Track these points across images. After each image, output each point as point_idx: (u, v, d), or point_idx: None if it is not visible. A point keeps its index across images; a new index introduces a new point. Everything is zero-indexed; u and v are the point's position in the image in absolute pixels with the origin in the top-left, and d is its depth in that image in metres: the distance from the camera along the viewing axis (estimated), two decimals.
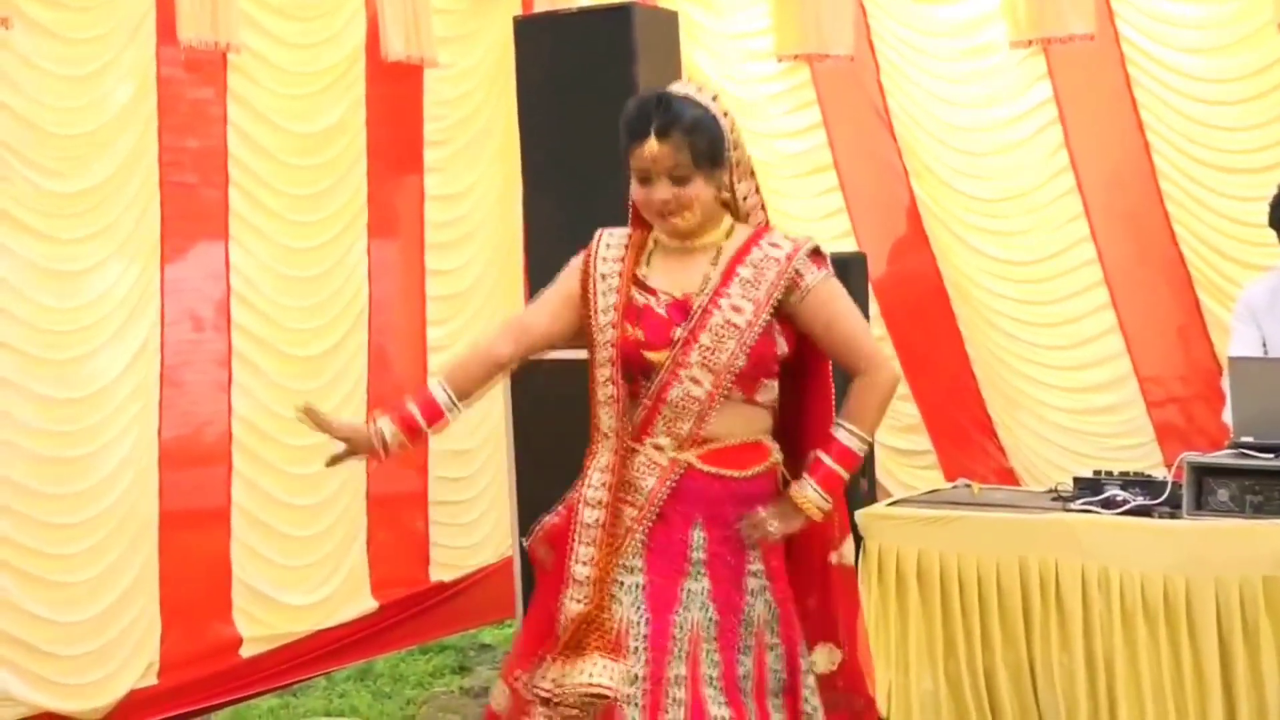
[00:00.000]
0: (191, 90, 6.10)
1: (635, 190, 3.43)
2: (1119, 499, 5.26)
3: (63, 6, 5.57)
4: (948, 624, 5.37)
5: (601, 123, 5.65)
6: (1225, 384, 5.50)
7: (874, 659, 5.42)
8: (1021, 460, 6.85)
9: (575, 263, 3.55)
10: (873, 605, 5.48)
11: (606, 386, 3.42)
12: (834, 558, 3.62)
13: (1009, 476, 6.76)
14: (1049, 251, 6.71)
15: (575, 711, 3.29)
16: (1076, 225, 6.64)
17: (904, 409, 7.07)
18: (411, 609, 6.82)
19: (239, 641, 6.20)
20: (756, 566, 3.42)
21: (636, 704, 3.27)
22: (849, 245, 6.95)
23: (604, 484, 3.40)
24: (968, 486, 6.00)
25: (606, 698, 3.25)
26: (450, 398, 3.42)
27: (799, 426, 3.59)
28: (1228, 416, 5.37)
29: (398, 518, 6.78)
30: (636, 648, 3.31)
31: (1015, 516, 5.36)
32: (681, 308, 3.41)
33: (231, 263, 6.19)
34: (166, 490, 5.94)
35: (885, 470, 6.60)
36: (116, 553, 5.75)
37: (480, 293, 7.10)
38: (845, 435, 3.43)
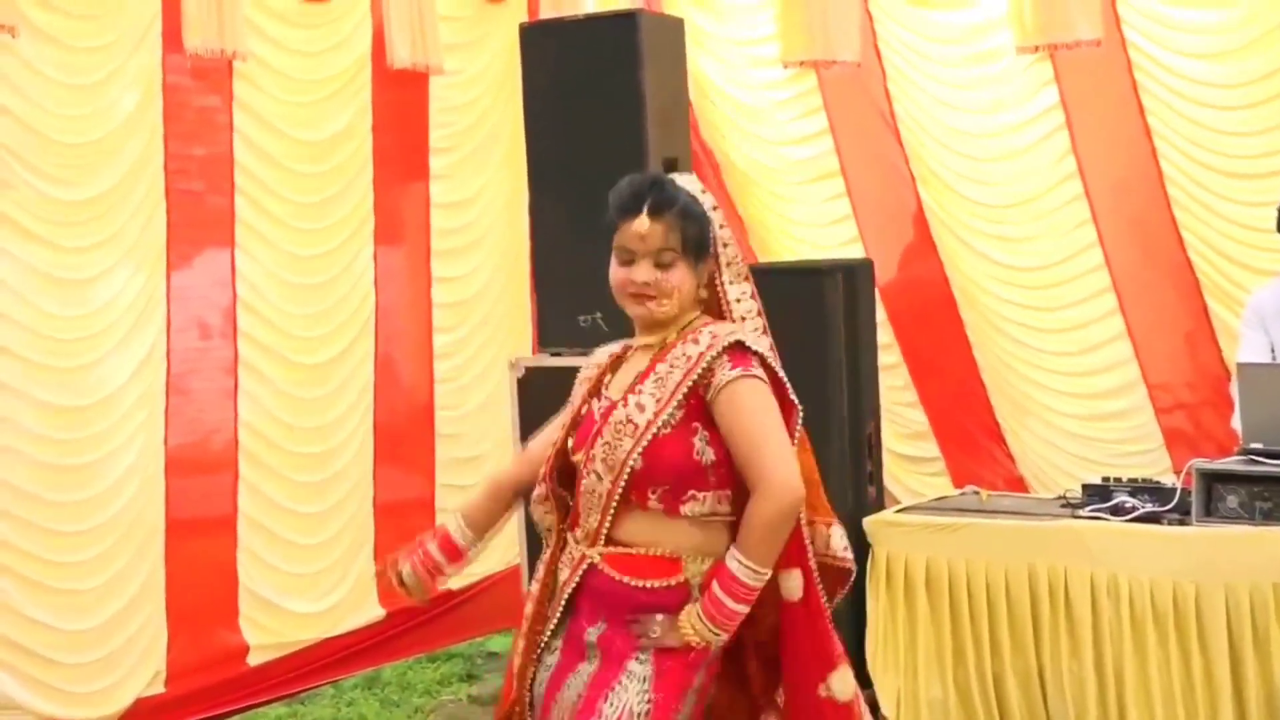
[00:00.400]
0: (197, 98, 6.10)
1: (614, 272, 3.26)
2: (1128, 505, 5.26)
3: (68, 14, 5.56)
4: (956, 631, 5.35)
5: (608, 129, 5.69)
6: (1234, 390, 5.47)
7: (884, 667, 5.42)
8: (1030, 467, 6.81)
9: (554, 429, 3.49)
10: (880, 612, 5.46)
11: (540, 486, 3.37)
12: (822, 690, 3.36)
13: (1017, 483, 6.72)
14: (1056, 257, 6.67)
15: None
16: (1084, 231, 6.60)
17: (912, 416, 7.04)
18: (419, 617, 6.78)
19: (246, 649, 6.19)
20: (645, 657, 3.18)
21: None
22: (856, 251, 6.91)
23: (538, 578, 3.37)
24: (976, 493, 5.99)
25: None
26: (466, 536, 3.47)
27: None
28: (1236, 422, 5.36)
29: (405, 525, 6.71)
30: None
31: (1024, 523, 5.35)
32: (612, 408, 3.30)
33: (238, 270, 6.18)
34: (173, 498, 5.93)
35: (893, 477, 6.56)
36: (123, 560, 5.74)
37: (487, 299, 7.09)
38: (733, 563, 3.14)
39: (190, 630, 5.96)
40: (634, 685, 3.16)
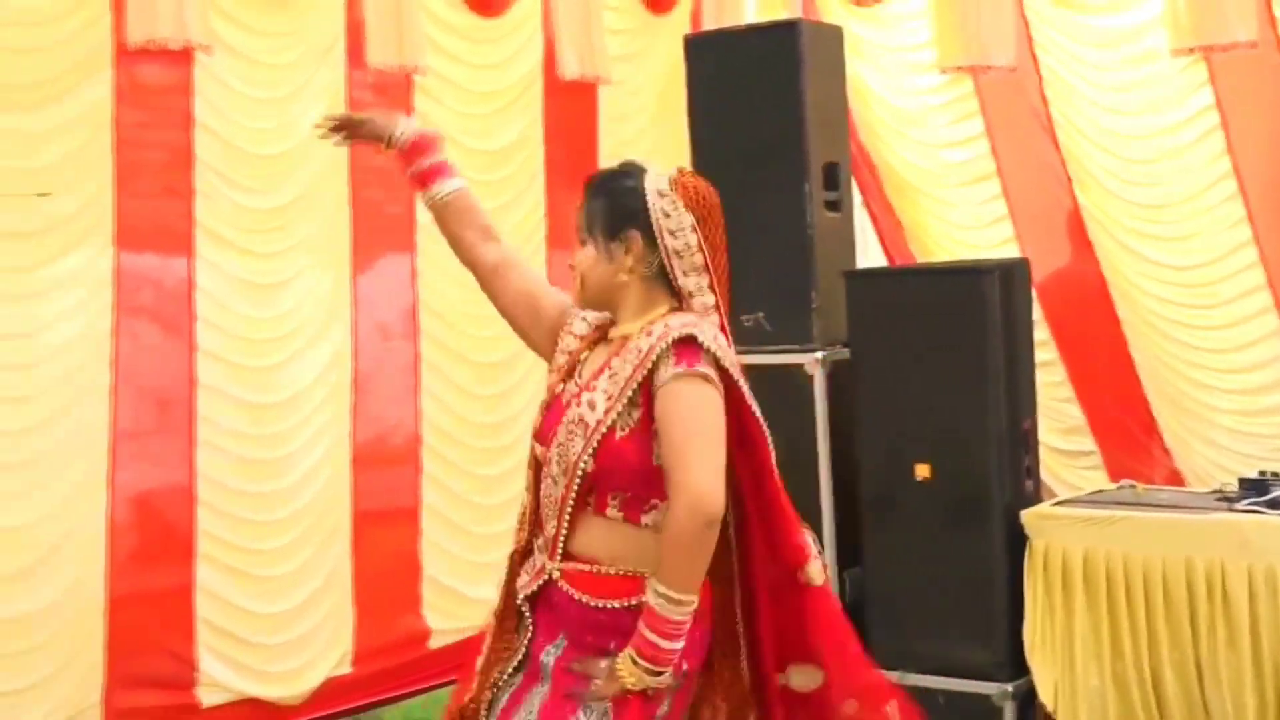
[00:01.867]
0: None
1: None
2: None
3: (259, 33, 5.69)
4: (1114, 623, 5.30)
5: (770, 135, 5.72)
6: None
7: (1042, 657, 5.40)
8: (1186, 462, 6.72)
9: (568, 302, 3.27)
10: (1039, 603, 5.44)
11: (526, 474, 3.17)
12: (801, 576, 3.14)
13: (1173, 478, 6.63)
14: (1212, 256, 6.58)
15: None
16: (1239, 230, 6.50)
17: (1068, 411, 6.98)
18: None
19: (428, 633, 6.27)
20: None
21: None
22: (1012, 251, 6.87)
23: (508, 571, 3.17)
24: (1133, 487, 5.93)
25: None
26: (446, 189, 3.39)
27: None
28: None
29: None
30: None
31: (1181, 516, 5.29)
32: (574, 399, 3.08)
33: (418, 273, 6.26)
34: (359, 490, 6.03)
35: (1050, 471, 6.51)
36: (312, 548, 5.86)
37: None
38: (652, 597, 2.87)
39: (376, 614, 6.06)
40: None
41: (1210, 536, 5.15)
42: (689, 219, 3.06)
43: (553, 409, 3.09)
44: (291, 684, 5.78)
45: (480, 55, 6.43)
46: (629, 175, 3.14)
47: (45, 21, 5.11)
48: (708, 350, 2.93)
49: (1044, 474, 6.19)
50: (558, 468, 2.99)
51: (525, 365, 6.59)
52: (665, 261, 3.05)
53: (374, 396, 6.14)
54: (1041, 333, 6.64)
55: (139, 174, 5.38)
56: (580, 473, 2.94)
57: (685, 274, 3.06)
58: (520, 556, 3.17)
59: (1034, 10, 6.86)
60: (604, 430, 2.93)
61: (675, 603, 2.85)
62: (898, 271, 6.88)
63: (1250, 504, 5.24)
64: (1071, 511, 5.56)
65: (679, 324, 2.95)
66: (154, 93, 5.45)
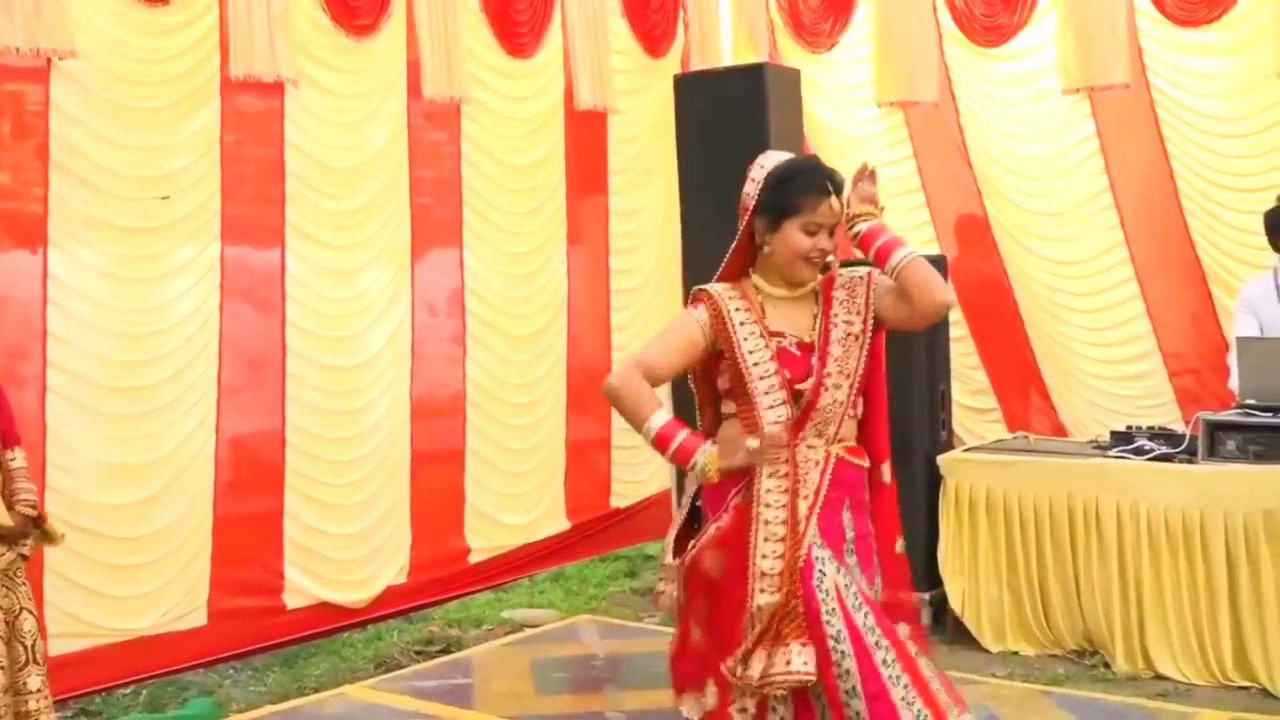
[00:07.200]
0: (432, 133, 6.15)
1: (799, 240, 3.05)
2: (1147, 448, 5.22)
3: (336, 70, 5.64)
4: (1010, 545, 5.33)
5: (741, 156, 5.59)
6: (1230, 359, 5.36)
7: (953, 572, 5.39)
8: (1069, 417, 6.70)
9: (699, 316, 3.12)
10: (950, 530, 5.45)
11: (779, 410, 3.02)
12: (898, 547, 3.22)
13: (1059, 430, 6.62)
14: (1091, 254, 6.55)
15: (781, 694, 2.91)
16: (1113, 233, 6.47)
17: (976, 376, 6.96)
18: (596, 528, 6.83)
19: (468, 551, 6.25)
20: (875, 545, 3.12)
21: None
22: (933, 249, 6.82)
23: (782, 489, 3.00)
24: (1025, 437, 5.95)
25: (808, 683, 2.88)
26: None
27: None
28: (1233, 383, 5.28)
29: (588, 459, 6.79)
30: (832, 608, 2.91)
31: (1064, 461, 5.31)
32: (807, 347, 3.08)
33: (465, 264, 6.22)
34: (416, 436, 5.99)
35: (960, 424, 6.50)
36: (378, 483, 5.83)
37: (650, 288, 7.07)
38: None
39: (428, 536, 6.03)
40: (878, 574, 3.12)
41: (1087, 477, 5.15)
42: None
43: (787, 358, 3.08)
44: (359, 590, 5.77)
45: (514, 89, 6.38)
46: None
47: (167, 59, 5.06)
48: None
49: (956, 426, 6.20)
50: (839, 376, 3.07)
51: (549, 338, 6.61)
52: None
53: (428, 362, 6.09)
54: (955, 314, 6.63)
55: (240, 183, 5.34)
56: (860, 376, 3.11)
57: None
58: None
59: (953, 57, 6.81)
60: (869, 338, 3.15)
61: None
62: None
63: (1119, 451, 5.26)
64: (977, 457, 5.57)
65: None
66: (252, 118, 5.41)
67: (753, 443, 3.00)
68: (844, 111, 7.18)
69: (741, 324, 3.09)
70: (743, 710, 2.98)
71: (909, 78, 6.85)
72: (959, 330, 6.72)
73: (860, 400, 3.14)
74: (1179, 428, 5.54)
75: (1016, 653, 5.30)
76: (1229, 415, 5.03)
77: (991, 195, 6.79)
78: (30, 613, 3.88)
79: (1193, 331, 6.36)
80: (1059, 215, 6.60)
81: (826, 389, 3.04)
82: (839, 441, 3.08)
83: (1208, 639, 4.86)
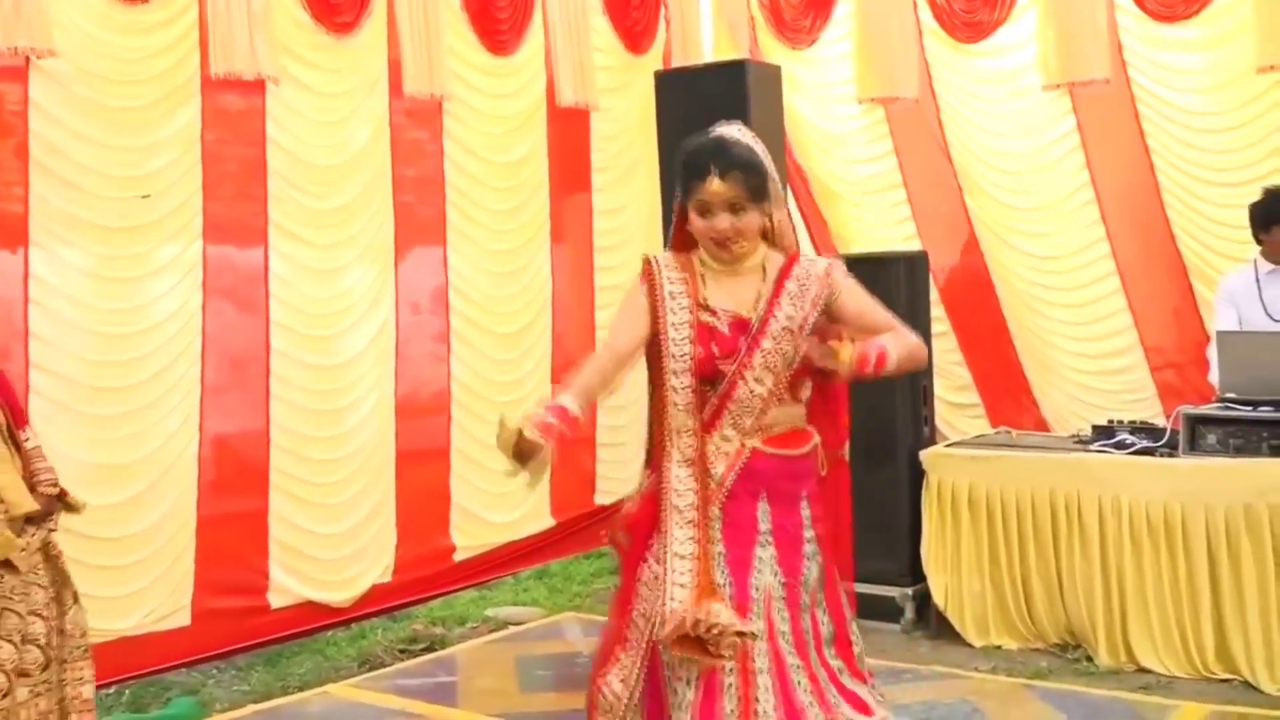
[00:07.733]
0: (414, 131, 6.12)
1: (695, 221, 3.01)
2: (1128, 442, 5.23)
3: (317, 68, 5.62)
4: (992, 540, 5.34)
5: None
6: (1210, 353, 5.37)
7: (936, 567, 5.40)
8: (1051, 411, 6.72)
9: (642, 285, 3.10)
10: (933, 524, 5.45)
11: (684, 393, 3.02)
12: (840, 451, 3.26)
13: (1041, 425, 6.64)
14: (1073, 249, 6.56)
15: (728, 650, 2.86)
16: (1094, 228, 6.48)
17: (959, 372, 6.97)
18: (580, 525, 6.81)
19: (453, 549, 6.23)
20: (810, 534, 3.05)
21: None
22: (914, 245, 6.84)
23: (690, 474, 3.00)
24: (1008, 432, 5.95)
25: (749, 637, 2.89)
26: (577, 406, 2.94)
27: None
28: (1213, 378, 5.29)
29: (573, 457, 6.75)
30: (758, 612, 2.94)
31: (1045, 456, 5.32)
32: (741, 324, 3.02)
33: (449, 262, 6.20)
34: (401, 434, 5.97)
35: (943, 420, 6.51)
36: (363, 481, 5.81)
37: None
38: None
39: (413, 534, 6.00)
40: (813, 565, 3.05)
41: (1069, 472, 5.16)
42: (773, 169, 3.14)
43: (715, 334, 3.03)
44: (344, 589, 5.74)
45: (496, 86, 6.36)
46: (748, 146, 3.06)
47: (146, 58, 5.03)
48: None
49: (939, 422, 6.21)
50: (763, 370, 3.02)
51: (533, 336, 6.59)
52: (771, 205, 3.09)
53: (412, 360, 6.08)
54: (938, 310, 6.63)
55: (222, 181, 5.32)
56: (790, 370, 3.06)
57: (776, 209, 3.12)
58: None
59: (933, 54, 6.81)
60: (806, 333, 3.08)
61: None
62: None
63: (1100, 446, 5.27)
64: (960, 452, 5.57)
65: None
66: (233, 116, 5.38)
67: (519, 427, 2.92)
68: (825, 108, 7.18)
69: (672, 295, 3.05)
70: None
71: (890, 74, 6.85)
72: (941, 326, 6.72)
73: (806, 384, 3.09)
74: (1160, 422, 5.55)
75: (999, 647, 5.31)
76: (1209, 409, 5.04)
77: (972, 191, 6.80)
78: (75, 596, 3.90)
79: (1174, 325, 6.38)
80: (1040, 210, 6.61)
81: (745, 381, 2.99)
82: (760, 432, 3.02)
83: (1189, 632, 4.88)
